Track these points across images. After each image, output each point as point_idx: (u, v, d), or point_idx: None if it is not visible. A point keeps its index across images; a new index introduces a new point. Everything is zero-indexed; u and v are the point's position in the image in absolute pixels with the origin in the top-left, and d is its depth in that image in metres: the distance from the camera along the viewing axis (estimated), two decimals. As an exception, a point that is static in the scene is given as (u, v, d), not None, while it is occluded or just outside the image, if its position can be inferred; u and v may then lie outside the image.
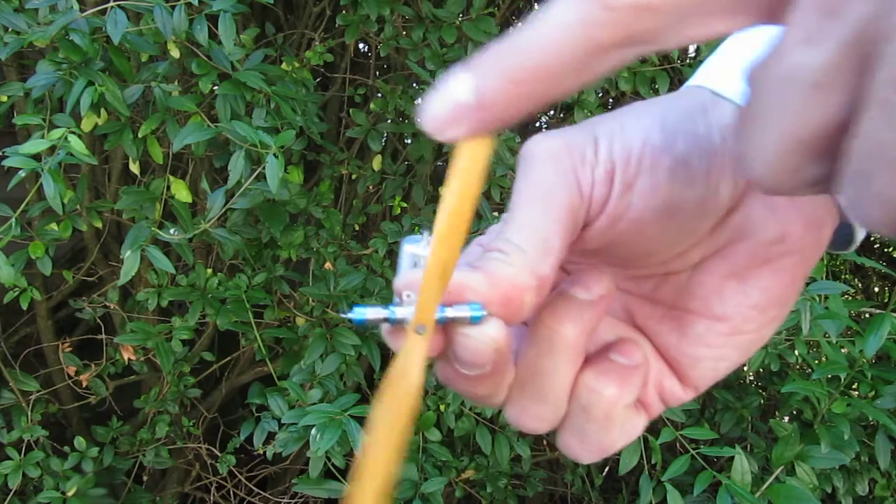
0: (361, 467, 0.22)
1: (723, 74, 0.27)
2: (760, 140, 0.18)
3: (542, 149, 0.24)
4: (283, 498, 1.46)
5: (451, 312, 0.22)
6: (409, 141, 1.56)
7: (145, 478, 1.53)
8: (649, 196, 0.24)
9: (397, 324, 0.22)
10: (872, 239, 2.02)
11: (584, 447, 0.26)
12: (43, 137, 0.96)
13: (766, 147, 0.18)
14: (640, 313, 0.28)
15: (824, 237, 0.26)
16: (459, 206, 0.21)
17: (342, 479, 1.21)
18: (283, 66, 1.28)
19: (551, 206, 0.23)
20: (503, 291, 0.22)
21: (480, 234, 0.28)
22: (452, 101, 0.20)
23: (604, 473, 1.79)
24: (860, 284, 2.10)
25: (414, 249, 0.23)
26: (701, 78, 0.27)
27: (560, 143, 0.24)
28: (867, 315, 1.37)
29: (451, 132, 0.20)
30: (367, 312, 0.22)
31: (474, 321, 0.22)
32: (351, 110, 1.47)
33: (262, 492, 1.50)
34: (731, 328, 0.26)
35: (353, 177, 1.50)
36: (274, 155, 0.98)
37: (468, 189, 0.21)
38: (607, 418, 0.25)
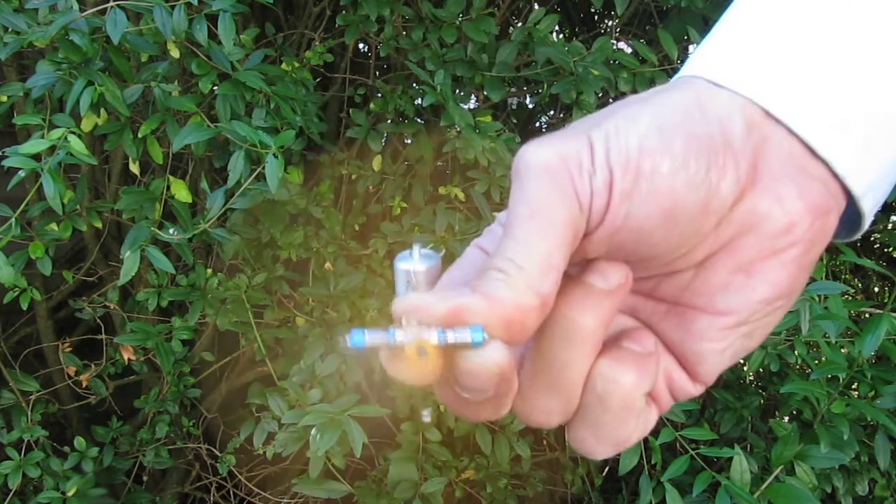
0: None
1: (718, 61, 0.25)
2: None
3: (537, 160, 0.23)
4: (283, 498, 1.46)
5: (451, 336, 0.21)
6: (409, 141, 1.56)
7: (145, 478, 1.53)
8: (649, 202, 0.23)
9: (397, 348, 0.22)
10: (872, 239, 2.02)
11: (600, 440, 0.25)
12: (43, 137, 0.96)
13: None
14: (642, 310, 0.27)
15: (830, 224, 0.25)
16: None
17: (342, 479, 1.21)
18: (283, 66, 1.28)
19: (551, 222, 0.23)
20: (505, 314, 0.21)
21: (478, 236, 0.28)
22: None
23: (604, 473, 1.79)
24: (860, 284, 2.10)
25: (407, 266, 0.22)
26: (695, 66, 0.26)
27: (555, 154, 0.23)
28: (867, 315, 1.37)
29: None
30: (366, 337, 0.22)
31: (476, 345, 0.21)
32: (351, 110, 1.47)
33: (262, 492, 1.50)
34: (735, 321, 0.25)
35: (353, 177, 1.49)
36: (274, 155, 0.98)
37: None
38: (625, 408, 0.24)
